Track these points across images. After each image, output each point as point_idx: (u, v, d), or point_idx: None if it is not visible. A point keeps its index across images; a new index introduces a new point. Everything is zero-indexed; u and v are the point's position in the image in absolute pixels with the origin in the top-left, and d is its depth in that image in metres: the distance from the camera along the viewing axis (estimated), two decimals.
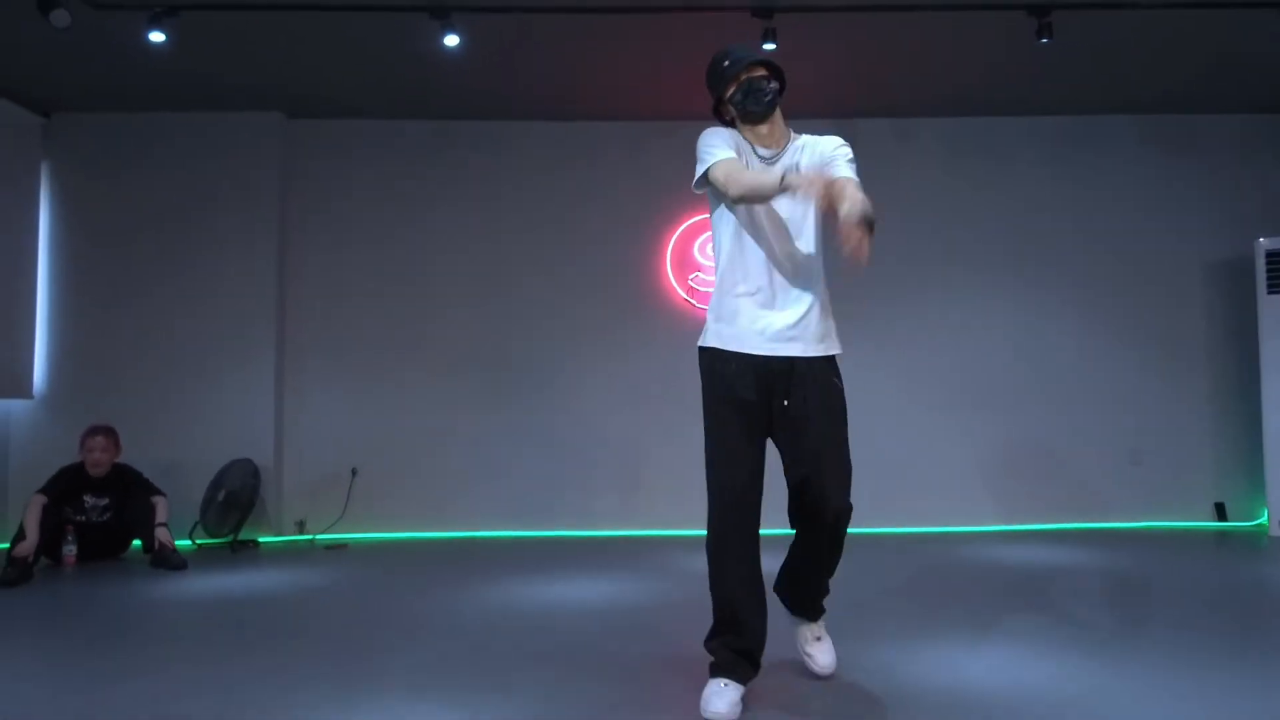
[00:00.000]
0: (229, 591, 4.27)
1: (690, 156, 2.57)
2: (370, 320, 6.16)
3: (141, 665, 2.96)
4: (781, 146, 2.61)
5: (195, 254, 6.02)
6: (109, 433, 5.11)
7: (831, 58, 5.28)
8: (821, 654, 2.71)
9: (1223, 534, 5.75)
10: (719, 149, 2.50)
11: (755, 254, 2.51)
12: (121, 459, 5.23)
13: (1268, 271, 5.68)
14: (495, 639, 3.26)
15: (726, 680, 2.41)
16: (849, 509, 2.48)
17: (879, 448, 5.99)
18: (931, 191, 6.26)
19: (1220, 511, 6.08)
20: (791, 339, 2.48)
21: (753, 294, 2.50)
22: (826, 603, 2.76)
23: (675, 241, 6.18)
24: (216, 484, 5.64)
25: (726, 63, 2.56)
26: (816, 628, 2.75)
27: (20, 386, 5.80)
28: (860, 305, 5.78)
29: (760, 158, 2.58)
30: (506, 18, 4.75)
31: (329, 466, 6.05)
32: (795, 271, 2.50)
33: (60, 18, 4.30)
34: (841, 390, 2.56)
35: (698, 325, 2.64)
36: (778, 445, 2.51)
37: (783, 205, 2.50)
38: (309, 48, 5.17)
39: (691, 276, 6.15)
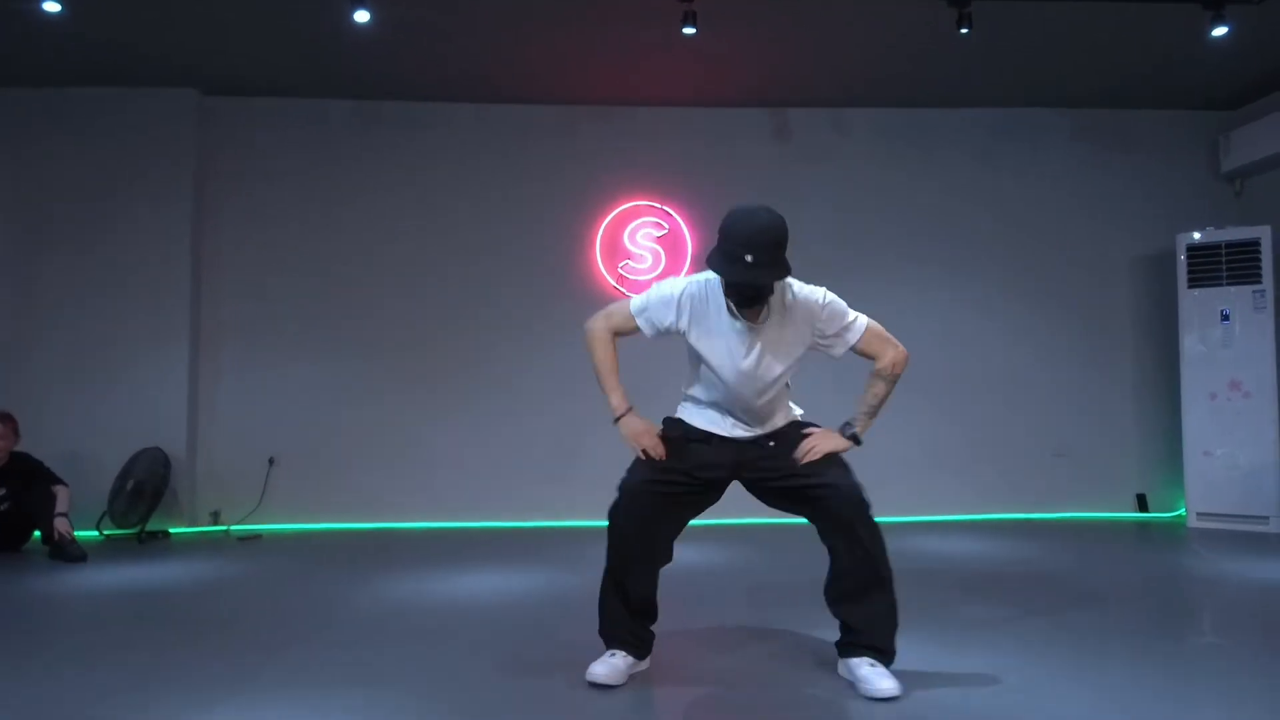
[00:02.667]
0: (128, 584, 4.13)
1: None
2: (289, 305, 5.99)
3: (19, 661, 2.82)
4: (762, 320, 2.50)
5: (105, 234, 5.80)
6: (6, 419, 4.92)
7: (758, 45, 5.21)
8: (879, 676, 2.45)
9: (1143, 524, 5.82)
10: (644, 316, 2.58)
11: (718, 389, 2.58)
12: (22, 447, 5.03)
13: (1188, 266, 5.73)
14: (399, 633, 3.16)
15: (613, 651, 2.58)
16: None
17: None
18: (865, 180, 6.24)
19: (1141, 502, 6.15)
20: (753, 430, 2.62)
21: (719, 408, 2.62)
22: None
23: (605, 228, 6.09)
24: (125, 473, 5.45)
25: (749, 257, 2.33)
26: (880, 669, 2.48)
27: None
28: None
29: (730, 315, 2.50)
30: None
31: (245, 455, 5.88)
32: (753, 412, 2.59)
33: None
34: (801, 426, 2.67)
35: None
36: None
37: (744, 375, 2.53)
38: (224, 22, 4.98)
39: (621, 264, 6.07)
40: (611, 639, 2.62)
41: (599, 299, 6.02)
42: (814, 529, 2.60)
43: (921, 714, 2.30)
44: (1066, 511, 6.12)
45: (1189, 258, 5.73)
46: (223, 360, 5.95)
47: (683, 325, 2.53)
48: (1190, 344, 5.72)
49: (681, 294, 2.53)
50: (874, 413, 2.66)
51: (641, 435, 2.53)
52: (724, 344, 2.50)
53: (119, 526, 5.38)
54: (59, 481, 5.01)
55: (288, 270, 6.01)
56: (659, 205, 6.08)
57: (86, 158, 5.82)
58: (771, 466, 2.57)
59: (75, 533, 4.84)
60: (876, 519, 2.52)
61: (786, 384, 2.64)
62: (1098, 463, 6.18)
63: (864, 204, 6.23)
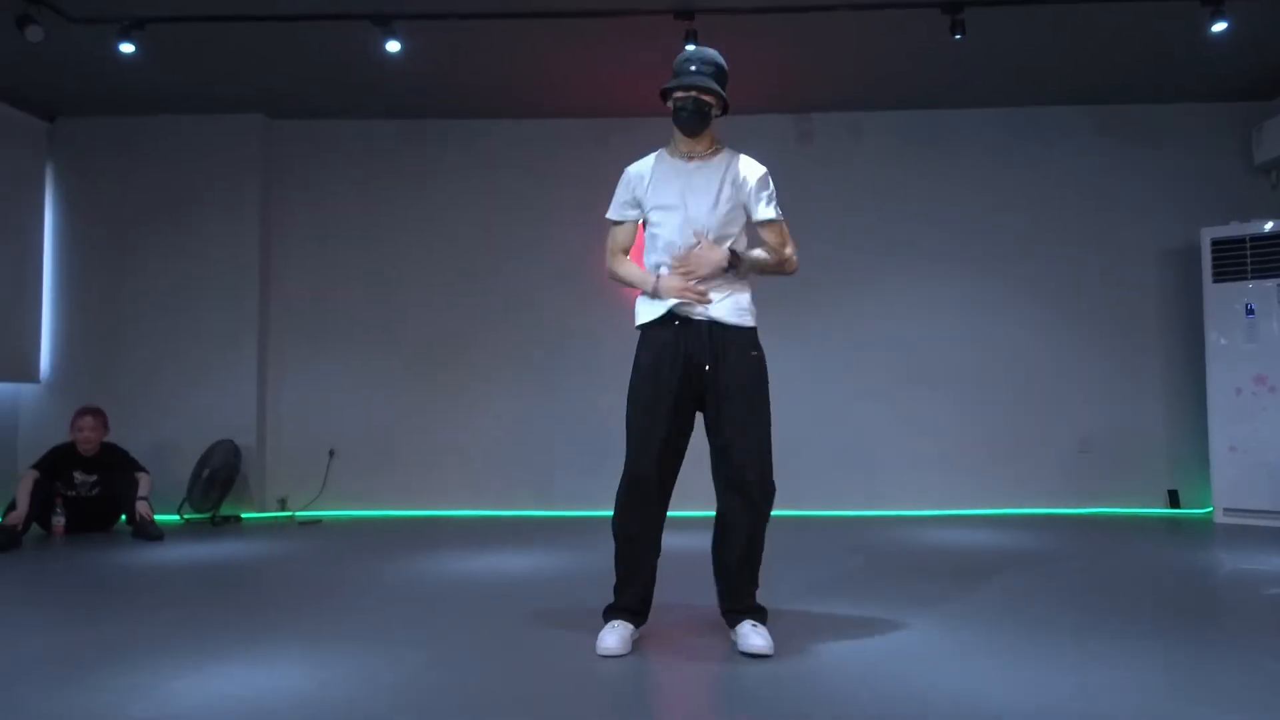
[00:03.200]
0: (199, 559, 4.68)
1: (650, 150, 2.92)
2: (347, 309, 6.54)
3: (101, 618, 3.36)
4: (706, 153, 2.88)
5: (185, 247, 6.45)
6: (97, 413, 5.55)
7: (765, 54, 5.44)
8: (756, 635, 2.72)
9: (1171, 521, 5.81)
10: (617, 208, 2.95)
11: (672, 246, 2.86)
12: (114, 438, 5.67)
13: (1213, 260, 5.71)
14: (440, 603, 3.56)
15: (616, 621, 2.81)
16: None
17: (831, 433, 6.19)
18: (882, 183, 6.40)
19: (1173, 498, 6.13)
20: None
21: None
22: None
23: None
24: (202, 463, 6.06)
25: (686, 68, 2.79)
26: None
27: (28, 371, 6.30)
28: (813, 294, 5.97)
29: (668, 159, 2.90)
30: (444, 24, 5.02)
31: (309, 448, 6.44)
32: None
33: (35, 33, 4.71)
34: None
35: None
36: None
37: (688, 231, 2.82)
38: (283, 54, 5.51)
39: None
40: (614, 609, 2.87)
41: (631, 301, 6.36)
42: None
43: (915, 691, 2.54)
44: (1096, 507, 6.15)
45: (1213, 251, 5.70)
46: (288, 359, 6.53)
47: (642, 190, 2.88)
48: (1215, 339, 5.70)
49: (628, 172, 2.96)
50: (755, 265, 2.87)
51: (681, 290, 2.76)
52: (677, 184, 2.83)
53: (196, 511, 5.99)
54: (142, 469, 5.63)
55: (345, 277, 6.56)
56: None
57: (168, 178, 6.48)
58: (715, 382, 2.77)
59: (155, 516, 5.45)
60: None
61: (735, 254, 2.80)
62: (1127, 458, 6.19)
63: (883, 207, 6.39)
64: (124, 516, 5.58)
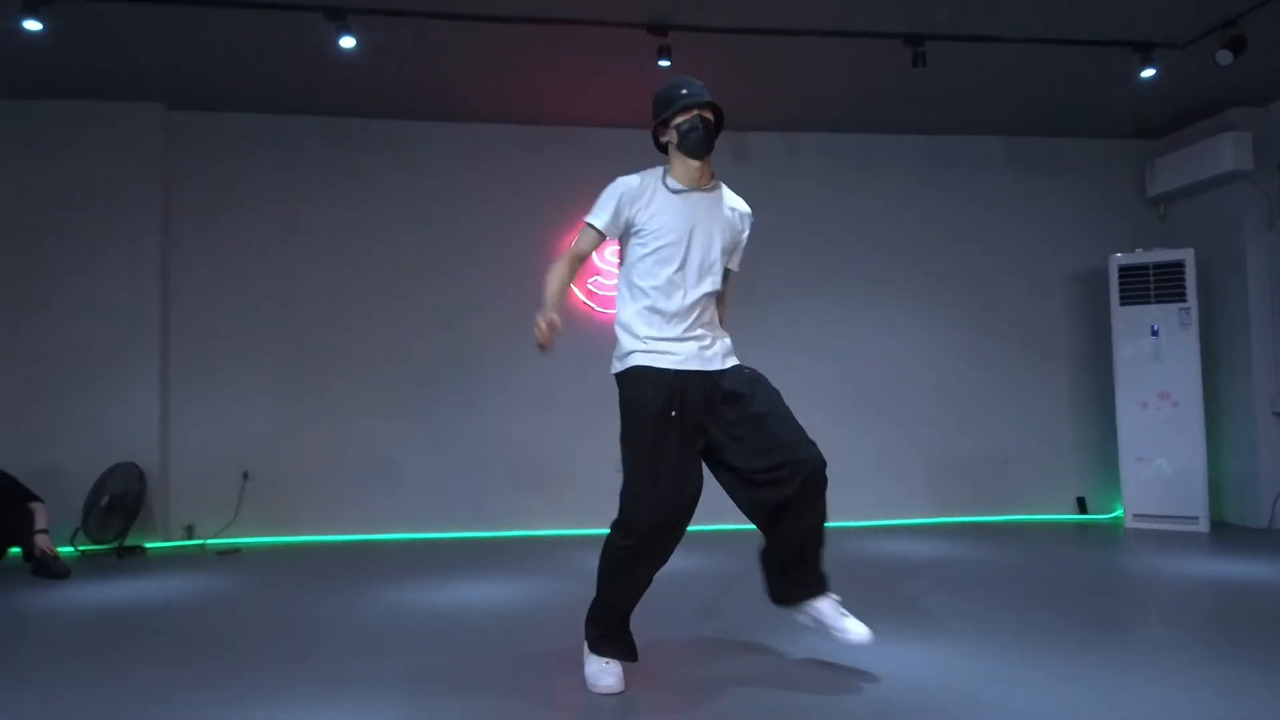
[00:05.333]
0: (113, 600, 4.19)
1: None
2: (260, 319, 6.05)
3: (17, 676, 2.91)
4: (707, 186, 2.83)
5: (74, 247, 5.79)
6: None
7: (723, 73, 5.44)
8: (855, 623, 2.77)
9: (1083, 526, 6.22)
10: (601, 217, 2.81)
11: (660, 281, 2.80)
12: (1, 464, 5.03)
13: (1120, 285, 6.16)
14: (384, 645, 3.30)
15: (609, 660, 2.73)
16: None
17: None
18: (817, 203, 6.55)
19: (1081, 505, 6.57)
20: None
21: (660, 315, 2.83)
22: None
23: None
24: (99, 488, 5.46)
25: (684, 90, 2.74)
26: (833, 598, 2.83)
27: None
28: (749, 311, 6.01)
29: (670, 190, 2.78)
30: (402, 21, 4.73)
31: (218, 470, 5.91)
32: (693, 304, 2.81)
33: None
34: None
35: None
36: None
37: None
38: (192, 39, 4.99)
39: (590, 280, 6.26)
40: (607, 647, 2.75)
41: (568, 314, 6.21)
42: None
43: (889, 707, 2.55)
44: (1010, 514, 6.50)
45: (1120, 277, 6.15)
46: (193, 375, 5.97)
47: (637, 213, 2.76)
48: (1122, 357, 6.15)
49: (623, 184, 2.81)
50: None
51: (540, 334, 2.69)
52: (683, 216, 2.76)
53: (95, 541, 5.39)
54: (35, 498, 5.01)
55: (257, 285, 6.06)
56: None
57: (54, 170, 5.79)
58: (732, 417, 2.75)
59: (58, 549, 4.86)
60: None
61: (719, 293, 2.86)
62: (1039, 468, 6.58)
63: (814, 225, 6.53)
64: (17, 550, 4.93)
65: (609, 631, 2.75)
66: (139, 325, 5.83)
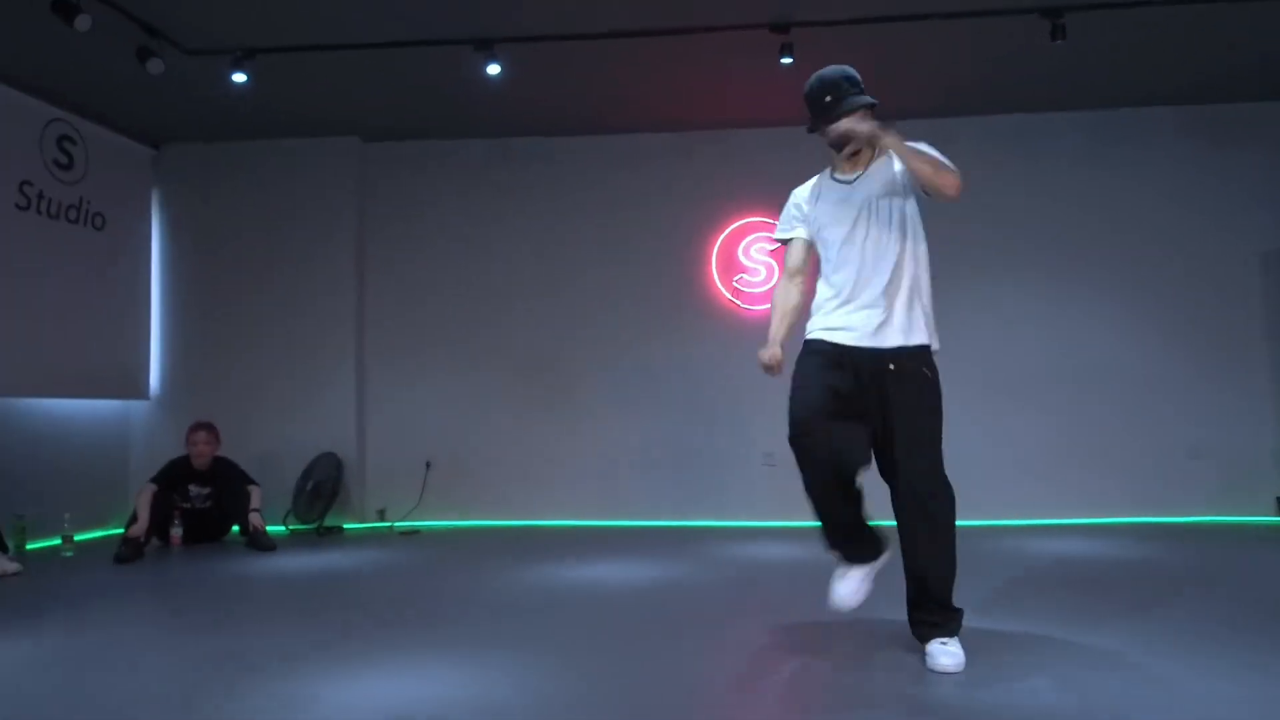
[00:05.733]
0: (310, 569, 4.84)
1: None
2: (439, 325, 6.69)
3: (223, 626, 3.51)
4: (865, 169, 2.80)
5: (285, 266, 6.67)
6: (210, 428, 5.76)
7: (855, 59, 5.44)
8: (945, 655, 2.61)
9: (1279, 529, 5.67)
10: (785, 228, 2.95)
11: (838, 269, 2.83)
12: (222, 452, 5.88)
13: None
14: (510, 611, 3.66)
15: (845, 568, 2.83)
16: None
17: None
18: (971, 190, 6.32)
19: None
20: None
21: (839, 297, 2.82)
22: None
23: (720, 245, 6.48)
24: (306, 475, 6.25)
25: (828, 99, 2.70)
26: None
27: (139, 389, 6.56)
28: None
29: (837, 181, 2.85)
30: (544, 45, 5.13)
31: (406, 459, 6.60)
32: (875, 290, 2.75)
33: (155, 65, 4.92)
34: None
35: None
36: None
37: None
38: (378, 78, 5.68)
39: (736, 278, 6.43)
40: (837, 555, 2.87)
41: (716, 312, 6.43)
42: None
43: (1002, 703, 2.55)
44: (1202, 515, 6.01)
45: None
46: (385, 375, 6.71)
47: (809, 209, 2.86)
48: None
49: (794, 194, 2.95)
50: (915, 153, 2.71)
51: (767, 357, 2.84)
52: (833, 203, 2.80)
53: (301, 521, 6.18)
54: (253, 482, 5.82)
55: (438, 293, 6.72)
56: (770, 221, 6.40)
57: (269, 200, 6.72)
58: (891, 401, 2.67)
59: (266, 527, 5.64)
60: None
61: (914, 276, 2.78)
62: (1234, 465, 6.05)
63: (969, 212, 6.30)
64: (236, 528, 5.77)
65: (833, 545, 2.85)
66: (339, 333, 6.64)
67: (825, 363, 2.72)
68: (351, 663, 2.88)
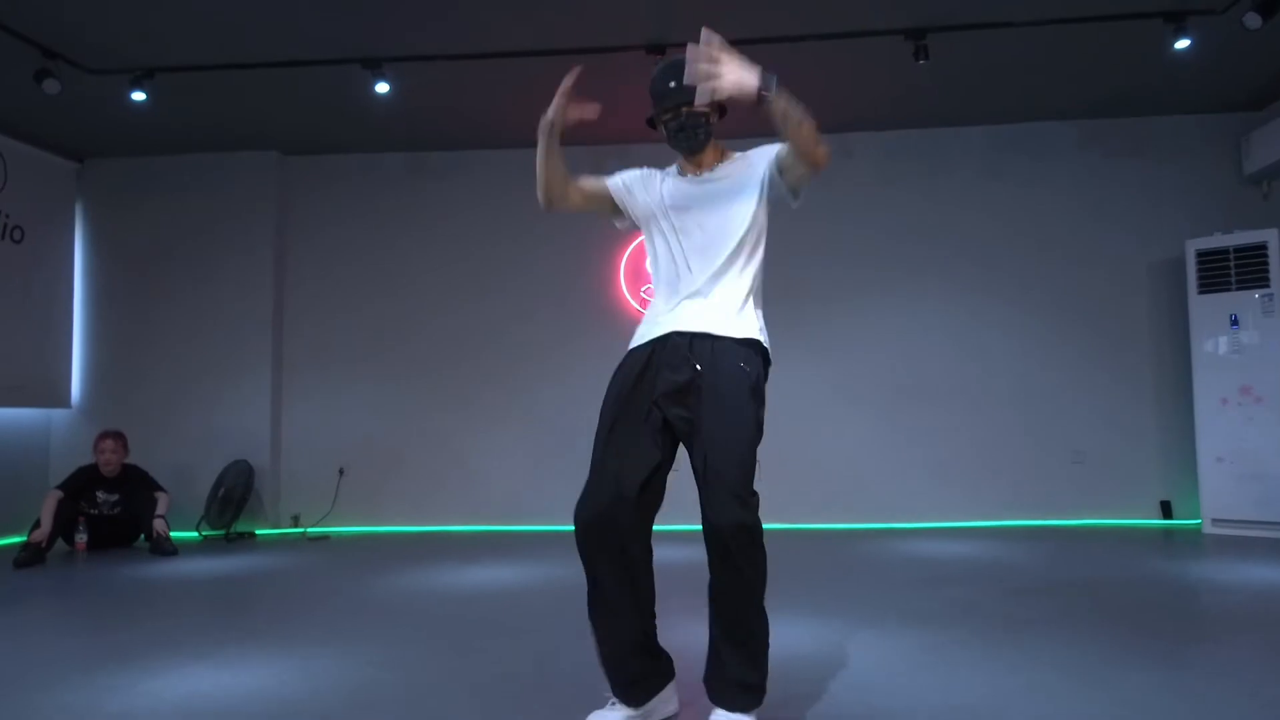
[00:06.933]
0: (209, 573, 4.97)
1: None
2: (355, 334, 6.84)
3: (114, 624, 3.67)
4: (711, 169, 2.52)
5: (203, 278, 6.81)
6: (118, 436, 5.90)
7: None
8: None
9: (1162, 532, 5.80)
10: (616, 173, 2.69)
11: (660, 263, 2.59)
12: (137, 460, 6.02)
13: (1198, 271, 5.73)
14: (421, 613, 3.79)
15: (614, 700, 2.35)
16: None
17: (823, 448, 6.31)
18: (871, 202, 6.51)
19: (1165, 509, 6.13)
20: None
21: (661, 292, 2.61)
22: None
23: (629, 256, 6.63)
24: (218, 482, 6.38)
25: (672, 84, 2.43)
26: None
27: (60, 397, 6.69)
28: (801, 310, 6.11)
29: (682, 178, 2.56)
30: (436, 64, 5.29)
31: (319, 466, 6.74)
32: (696, 287, 2.46)
33: (51, 85, 5.08)
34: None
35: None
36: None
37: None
38: (287, 95, 5.83)
39: (644, 288, 6.59)
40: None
41: (625, 319, 6.57)
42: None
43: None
44: (1088, 519, 6.16)
45: (1198, 262, 5.73)
46: (299, 383, 6.85)
47: (635, 185, 2.62)
48: (1201, 350, 5.71)
49: (639, 169, 2.66)
50: (794, 116, 2.22)
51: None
52: (663, 189, 2.54)
53: (213, 528, 6.31)
54: (161, 489, 5.95)
55: (352, 303, 6.87)
56: None
57: (188, 213, 6.86)
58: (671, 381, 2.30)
59: (175, 534, 5.77)
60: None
61: (748, 275, 2.41)
62: (1120, 469, 6.20)
63: (873, 225, 6.50)
64: (144, 534, 5.90)
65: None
66: (255, 343, 6.78)
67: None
68: (180, 659, 3.03)
